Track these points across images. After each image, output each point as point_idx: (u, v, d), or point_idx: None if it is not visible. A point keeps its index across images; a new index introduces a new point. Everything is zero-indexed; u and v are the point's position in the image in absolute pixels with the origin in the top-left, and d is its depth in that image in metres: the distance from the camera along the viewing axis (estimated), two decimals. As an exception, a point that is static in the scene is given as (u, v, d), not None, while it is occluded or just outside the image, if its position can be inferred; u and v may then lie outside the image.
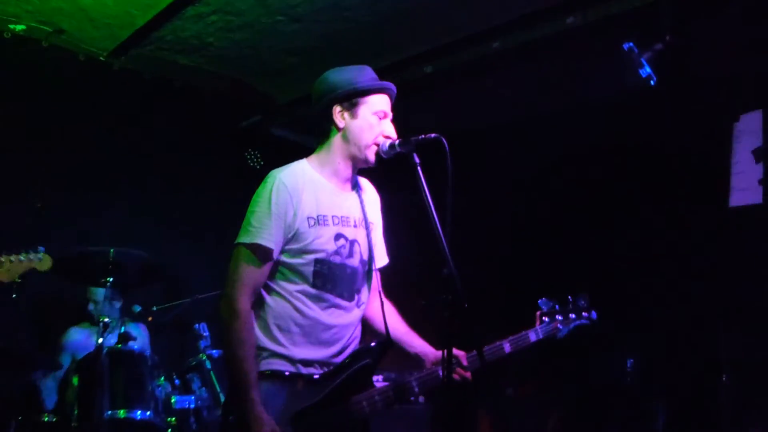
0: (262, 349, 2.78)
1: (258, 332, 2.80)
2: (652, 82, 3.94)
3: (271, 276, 2.83)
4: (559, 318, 3.21)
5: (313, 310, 2.81)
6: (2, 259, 3.29)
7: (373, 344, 2.92)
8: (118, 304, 4.73)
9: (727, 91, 4.88)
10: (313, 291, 2.81)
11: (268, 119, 6.65)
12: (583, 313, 3.25)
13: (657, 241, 5.36)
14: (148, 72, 6.13)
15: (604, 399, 5.70)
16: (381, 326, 3.05)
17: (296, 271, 2.81)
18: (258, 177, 6.73)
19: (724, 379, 4.99)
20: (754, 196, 4.56)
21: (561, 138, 5.67)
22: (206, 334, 4.83)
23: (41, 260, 3.40)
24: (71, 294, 5.28)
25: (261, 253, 2.76)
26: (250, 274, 2.77)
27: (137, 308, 5.02)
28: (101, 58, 5.89)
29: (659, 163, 5.34)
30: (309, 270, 2.81)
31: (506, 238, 6.11)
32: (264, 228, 2.76)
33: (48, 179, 5.50)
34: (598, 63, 4.79)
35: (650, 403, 5.39)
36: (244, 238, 2.78)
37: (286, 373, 2.76)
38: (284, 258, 2.81)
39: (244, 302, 2.74)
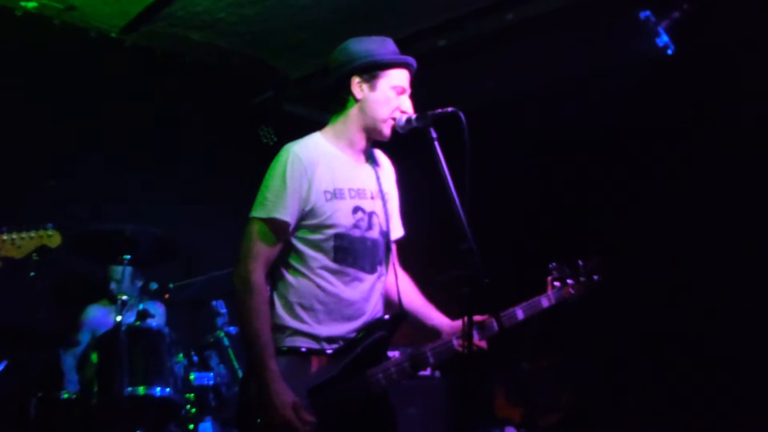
0: (285, 327, 2.77)
1: (281, 311, 2.79)
2: (669, 52, 3.88)
3: (292, 254, 2.81)
4: (570, 282, 3.17)
5: (336, 286, 2.80)
6: (14, 236, 3.31)
7: (386, 317, 2.92)
8: (139, 283, 4.77)
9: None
10: (334, 266, 2.79)
11: (281, 95, 6.62)
12: (594, 276, 3.22)
13: (677, 209, 5.33)
14: (160, 48, 6.11)
15: (617, 372, 5.73)
16: (410, 305, 3.04)
17: (316, 247, 2.79)
18: (272, 153, 6.75)
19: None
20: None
21: (576, 108, 5.62)
22: (224, 311, 4.85)
23: (50, 236, 3.42)
24: (89, 272, 5.30)
25: (276, 227, 2.75)
26: (265, 247, 2.76)
27: (154, 285, 5.05)
28: (112, 35, 5.88)
29: (678, 132, 5.30)
30: (329, 245, 2.79)
31: (516, 204, 6.10)
32: (279, 201, 2.74)
33: (62, 157, 5.51)
34: (614, 33, 4.72)
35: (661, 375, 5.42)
36: (258, 212, 2.77)
37: (303, 349, 2.75)
38: (303, 234, 2.80)
39: (258, 275, 2.73)
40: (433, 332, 3.00)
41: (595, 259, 3.25)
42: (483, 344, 2.90)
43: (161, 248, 4.72)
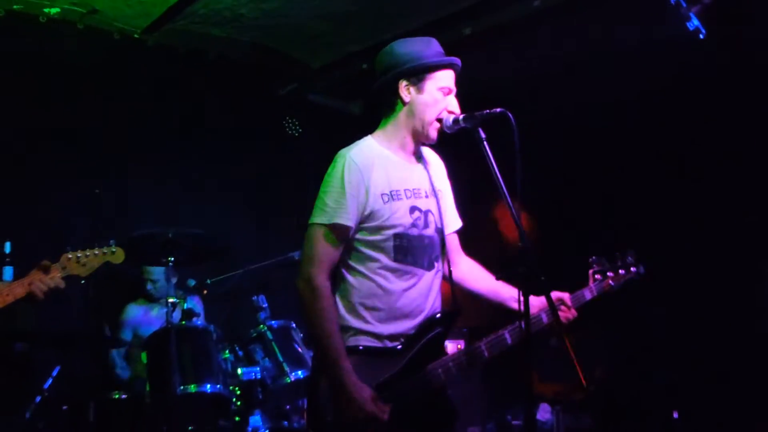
0: (348, 328, 2.85)
1: (343, 312, 2.87)
2: (701, 36, 3.88)
3: (352, 256, 2.89)
4: (610, 275, 3.30)
5: (397, 285, 2.87)
6: (78, 255, 3.35)
7: (437, 316, 2.98)
8: (174, 281, 4.84)
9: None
10: (395, 265, 2.87)
11: (304, 86, 6.66)
12: (632, 268, 3.33)
13: (708, 198, 5.38)
14: (183, 46, 6.15)
15: (649, 349, 5.79)
16: (473, 286, 3.16)
17: (377, 248, 2.86)
18: (297, 144, 6.82)
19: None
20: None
21: (608, 93, 5.62)
22: (265, 305, 4.91)
23: (114, 253, 3.46)
24: (124, 271, 5.38)
25: (338, 232, 2.82)
26: (327, 252, 2.82)
27: (192, 282, 5.13)
28: (135, 36, 5.91)
29: (709, 120, 5.32)
30: (389, 245, 2.86)
31: (552, 196, 6.12)
32: (340, 207, 2.80)
33: (90, 161, 5.59)
34: (641, 16, 4.72)
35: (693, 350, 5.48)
36: (320, 218, 2.83)
37: (366, 348, 2.83)
38: (363, 236, 2.87)
39: (323, 279, 2.80)
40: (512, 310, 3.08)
41: (632, 251, 3.35)
42: (573, 313, 3.10)
43: (201, 247, 4.79)
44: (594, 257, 3.33)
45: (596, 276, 3.29)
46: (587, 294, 3.21)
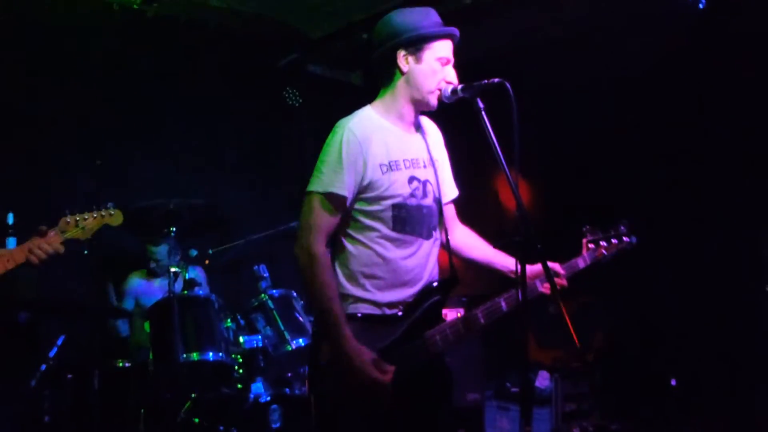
0: (347, 296, 2.89)
1: (343, 280, 2.91)
2: (701, 5, 3.85)
3: (351, 225, 2.92)
4: (603, 244, 3.34)
5: (396, 254, 2.91)
6: (77, 218, 3.31)
7: (435, 284, 3.02)
8: (177, 256, 4.88)
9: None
10: (394, 234, 2.91)
11: (304, 56, 6.65)
12: (624, 238, 3.37)
13: (710, 165, 5.39)
14: (182, 17, 6.12)
15: (648, 316, 5.84)
16: (469, 254, 3.22)
17: (376, 218, 2.90)
18: (297, 114, 6.82)
19: None
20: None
21: (612, 62, 5.61)
22: (266, 275, 4.95)
23: (113, 215, 3.41)
24: (128, 244, 5.44)
25: (335, 202, 2.85)
26: (324, 221, 2.86)
27: (194, 252, 5.16)
28: (135, 7, 5.88)
29: (712, 88, 5.30)
30: (388, 215, 2.90)
31: (547, 165, 6.14)
32: (336, 177, 2.83)
33: (91, 134, 5.60)
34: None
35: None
36: (317, 187, 2.86)
37: (359, 315, 2.88)
38: (362, 206, 2.90)
39: (320, 247, 2.83)
40: (507, 278, 3.14)
41: (625, 221, 3.39)
42: (564, 282, 3.14)
43: (203, 218, 4.83)
44: (587, 226, 3.37)
45: (589, 245, 3.33)
46: (580, 263, 3.26)
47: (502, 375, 6.53)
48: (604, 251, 3.33)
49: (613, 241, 3.36)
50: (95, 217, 3.37)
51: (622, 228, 3.38)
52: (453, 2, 5.16)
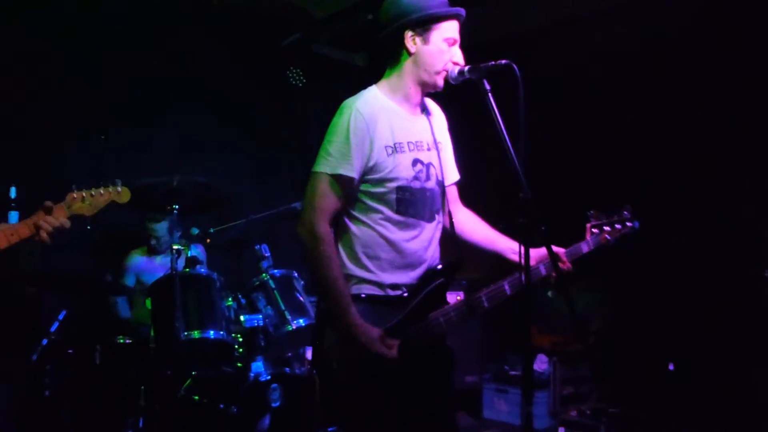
0: (351, 276, 2.90)
1: (346, 261, 2.92)
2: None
3: (356, 206, 2.92)
4: (607, 229, 3.35)
5: (399, 236, 2.92)
6: (84, 194, 3.29)
7: (439, 267, 3.04)
8: (178, 234, 4.88)
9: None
10: (397, 217, 2.91)
11: (308, 36, 6.62)
12: (627, 223, 3.38)
13: (710, 149, 5.38)
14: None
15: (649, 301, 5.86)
16: (471, 237, 3.21)
17: (379, 200, 2.90)
18: (301, 94, 6.79)
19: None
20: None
21: (611, 46, 5.59)
22: (267, 254, 4.94)
23: (120, 192, 3.41)
24: (129, 219, 5.43)
25: (342, 183, 2.85)
26: (329, 201, 2.86)
27: (195, 231, 5.15)
28: (138, -20, 5.87)
29: (717, 77, 5.29)
30: (392, 197, 2.90)
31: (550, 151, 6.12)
32: (344, 158, 2.83)
33: (91, 110, 5.58)
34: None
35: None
36: (323, 167, 2.86)
37: (363, 296, 2.89)
38: (366, 188, 2.90)
39: (324, 226, 2.84)
40: (508, 260, 3.15)
41: (628, 206, 3.39)
42: (569, 266, 3.14)
43: (206, 196, 4.82)
44: (591, 211, 3.39)
45: (593, 230, 3.35)
46: (584, 247, 3.27)
47: (500, 358, 6.57)
48: (607, 236, 3.34)
49: (617, 226, 3.37)
50: (102, 194, 3.35)
51: (626, 213, 3.39)
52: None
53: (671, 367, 5.65)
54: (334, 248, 2.89)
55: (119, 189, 3.39)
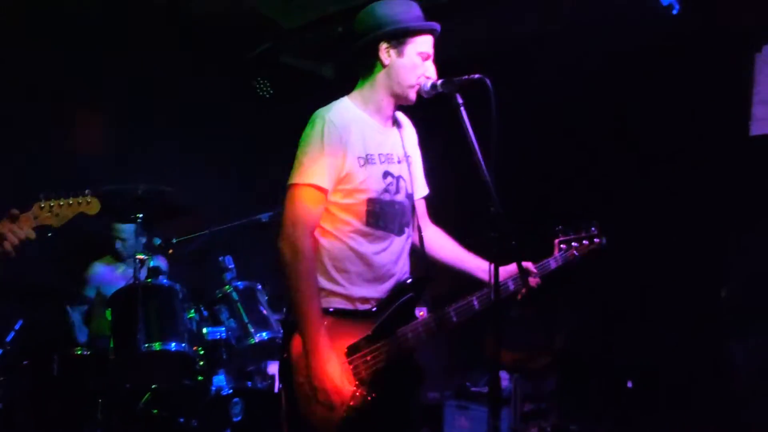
0: (320, 289, 2.86)
1: (316, 274, 2.88)
2: (674, 11, 3.91)
3: (325, 218, 2.90)
4: (575, 245, 3.39)
5: (368, 248, 2.91)
6: (51, 204, 3.16)
7: (409, 280, 3.04)
8: (143, 240, 4.80)
9: (750, 21, 4.87)
10: (366, 229, 2.90)
11: (277, 47, 6.59)
12: (595, 239, 3.41)
13: (673, 168, 5.44)
14: (155, -1, 6.04)
15: (609, 319, 5.90)
16: (438, 253, 3.21)
17: (349, 211, 2.88)
18: (268, 104, 6.74)
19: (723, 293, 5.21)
20: (777, 126, 4.65)
21: (580, 62, 5.65)
22: (231, 266, 4.88)
23: (90, 204, 3.27)
24: (92, 228, 5.33)
25: (318, 194, 2.82)
26: (309, 213, 2.83)
27: (157, 241, 5.08)
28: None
29: (679, 90, 5.35)
30: (362, 209, 2.89)
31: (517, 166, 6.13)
32: (318, 168, 2.81)
33: (59, 115, 5.49)
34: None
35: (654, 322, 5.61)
36: (300, 179, 2.82)
37: (331, 309, 2.87)
38: (336, 199, 2.88)
39: (307, 241, 2.81)
40: (475, 278, 3.16)
41: (596, 222, 3.43)
42: (536, 281, 3.17)
43: (171, 205, 4.75)
44: (560, 226, 3.41)
45: (561, 246, 3.37)
46: (552, 263, 3.30)
47: (462, 375, 6.57)
48: (575, 252, 3.37)
49: (585, 242, 3.40)
50: (71, 204, 3.21)
51: (593, 229, 3.42)
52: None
53: (630, 384, 5.71)
54: (314, 265, 2.85)
55: (89, 200, 3.26)
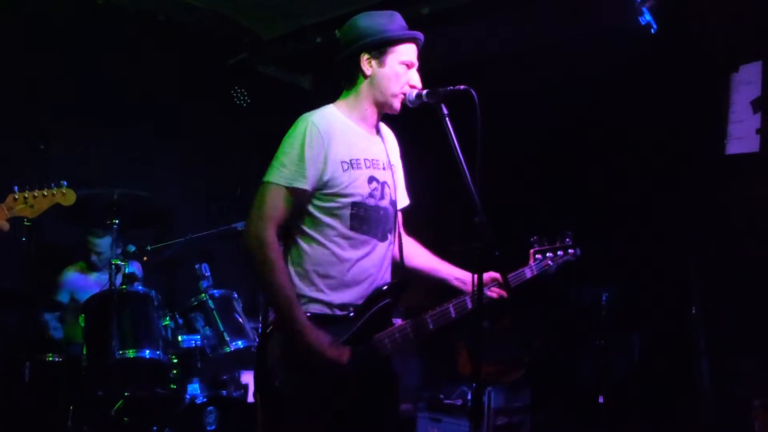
0: (299, 296, 2.84)
1: (296, 280, 2.86)
2: (652, 31, 3.98)
3: (307, 222, 2.88)
4: (550, 255, 3.39)
5: (351, 254, 2.89)
6: (26, 195, 3.15)
7: (385, 287, 3.01)
8: (118, 250, 4.76)
9: (727, 41, 4.96)
10: (350, 233, 2.88)
11: (255, 56, 6.58)
12: (569, 250, 3.43)
13: (649, 186, 5.51)
14: (132, 6, 6.00)
15: (581, 330, 5.94)
16: (413, 263, 3.19)
17: (333, 215, 2.87)
18: (245, 113, 6.75)
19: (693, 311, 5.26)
20: (751, 145, 4.73)
21: (560, 77, 5.72)
22: (207, 274, 4.84)
23: (65, 194, 3.28)
24: (67, 234, 5.28)
25: (293, 195, 2.81)
26: (278, 212, 2.81)
27: (132, 248, 5.02)
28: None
29: (656, 109, 5.42)
30: (346, 213, 2.87)
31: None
32: (298, 170, 2.80)
33: (35, 120, 5.43)
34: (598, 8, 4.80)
35: (626, 333, 5.65)
36: (276, 178, 2.81)
37: (308, 314, 2.82)
38: (319, 202, 2.87)
39: (271, 234, 2.78)
40: (458, 287, 3.16)
41: (570, 233, 3.46)
42: (504, 293, 3.15)
43: (146, 210, 4.71)
44: (535, 237, 3.42)
45: (536, 255, 3.38)
46: (527, 273, 3.29)
47: (435, 386, 6.56)
48: (550, 262, 3.38)
49: (559, 252, 3.41)
50: (46, 195, 3.21)
51: (568, 240, 3.44)
52: (412, 11, 5.19)
53: (601, 399, 5.73)
54: (281, 254, 2.83)
55: (64, 191, 3.26)
